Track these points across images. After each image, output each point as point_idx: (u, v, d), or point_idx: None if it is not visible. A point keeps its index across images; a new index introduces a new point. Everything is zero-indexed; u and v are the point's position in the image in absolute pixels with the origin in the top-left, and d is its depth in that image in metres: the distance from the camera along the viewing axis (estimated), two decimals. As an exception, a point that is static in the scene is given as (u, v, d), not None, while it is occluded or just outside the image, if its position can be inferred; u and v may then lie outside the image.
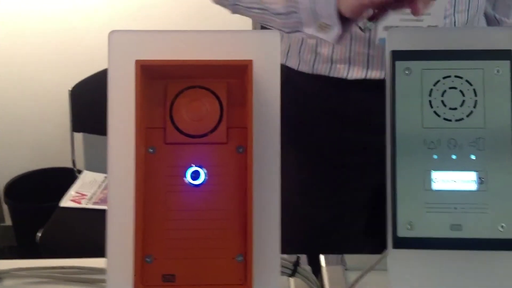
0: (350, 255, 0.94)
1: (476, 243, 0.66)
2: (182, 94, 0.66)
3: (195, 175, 0.65)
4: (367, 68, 1.08)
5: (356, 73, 1.09)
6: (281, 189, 0.66)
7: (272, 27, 0.99)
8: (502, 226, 0.65)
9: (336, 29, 0.90)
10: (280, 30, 0.98)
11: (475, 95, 0.66)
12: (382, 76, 1.07)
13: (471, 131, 0.66)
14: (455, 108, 0.67)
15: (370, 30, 0.94)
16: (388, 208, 0.67)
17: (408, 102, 0.67)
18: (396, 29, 0.69)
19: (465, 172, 0.66)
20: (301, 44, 1.14)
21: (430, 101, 0.67)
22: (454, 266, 0.68)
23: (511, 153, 0.65)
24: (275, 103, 0.66)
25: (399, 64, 0.67)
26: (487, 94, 0.66)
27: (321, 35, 0.93)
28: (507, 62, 0.65)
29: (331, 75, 1.11)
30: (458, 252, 0.67)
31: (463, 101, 0.66)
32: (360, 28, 0.94)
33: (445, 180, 0.66)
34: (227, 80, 0.66)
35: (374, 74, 1.08)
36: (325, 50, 1.10)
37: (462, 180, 0.66)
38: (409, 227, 0.66)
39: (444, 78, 0.67)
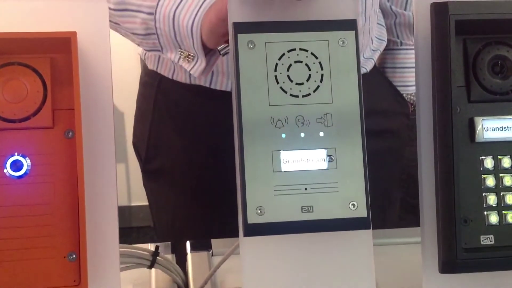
0: (216, 240, 0.91)
1: (327, 224, 0.63)
2: (-4, 73, 0.59)
3: (17, 166, 0.59)
4: None
5: None
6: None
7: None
8: (353, 205, 0.63)
9: (199, 62, 0.82)
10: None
11: (321, 68, 0.63)
12: None
13: (318, 107, 0.63)
14: (302, 83, 0.63)
15: (227, 53, 0.86)
16: (239, 194, 0.63)
17: (253, 78, 0.63)
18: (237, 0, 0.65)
19: (314, 150, 0.63)
20: None
21: (276, 77, 0.63)
22: (307, 249, 0.66)
23: (359, 128, 0.63)
24: (106, 81, 0.60)
25: (242, 37, 0.62)
26: (333, 67, 0.63)
27: (185, 65, 0.84)
28: (352, 33, 0.63)
29: (213, 87, 0.99)
30: (311, 235, 0.65)
31: (310, 75, 0.63)
32: (219, 52, 0.84)
33: (294, 160, 0.63)
34: (50, 56, 0.60)
35: None
36: None
37: (312, 159, 0.63)
38: (260, 212, 0.62)
39: (289, 51, 0.63)
